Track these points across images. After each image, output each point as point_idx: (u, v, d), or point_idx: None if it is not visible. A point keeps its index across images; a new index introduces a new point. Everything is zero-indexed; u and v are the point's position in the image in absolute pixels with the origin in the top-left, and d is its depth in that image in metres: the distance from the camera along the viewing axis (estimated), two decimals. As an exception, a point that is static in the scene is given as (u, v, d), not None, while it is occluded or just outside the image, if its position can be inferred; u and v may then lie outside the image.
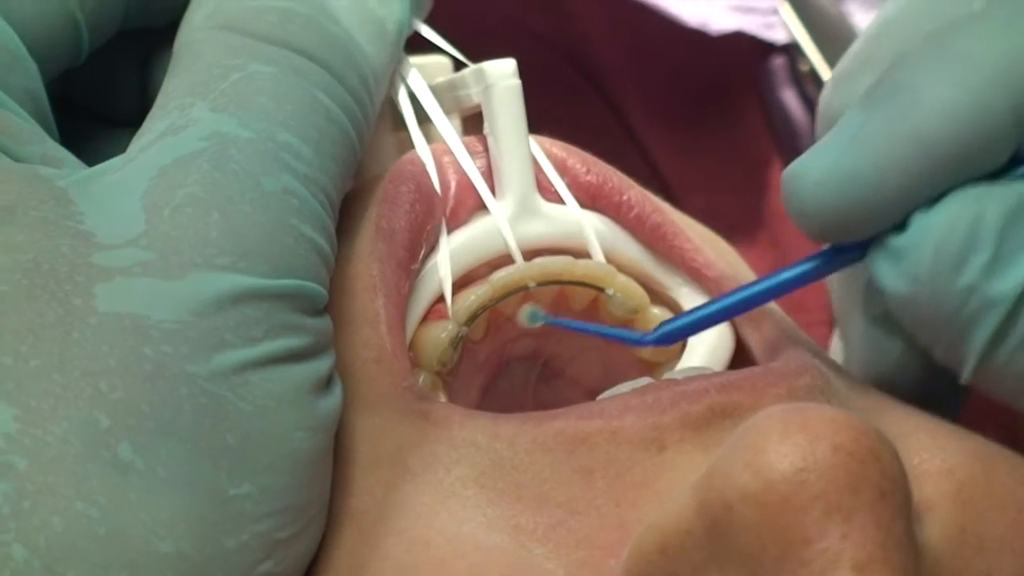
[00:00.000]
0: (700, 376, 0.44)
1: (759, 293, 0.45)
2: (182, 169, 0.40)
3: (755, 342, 0.48)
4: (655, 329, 0.45)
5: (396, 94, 0.49)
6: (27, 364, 0.37)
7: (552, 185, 0.48)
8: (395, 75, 0.49)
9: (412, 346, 0.46)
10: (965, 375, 0.43)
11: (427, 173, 0.47)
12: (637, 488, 0.41)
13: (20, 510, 0.36)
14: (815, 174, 0.42)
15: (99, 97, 0.50)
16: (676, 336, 0.45)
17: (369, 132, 0.44)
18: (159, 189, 0.40)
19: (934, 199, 0.42)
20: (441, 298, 0.47)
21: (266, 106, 0.41)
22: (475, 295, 0.47)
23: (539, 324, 0.47)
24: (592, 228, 0.48)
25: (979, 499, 0.42)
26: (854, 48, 0.48)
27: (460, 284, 0.47)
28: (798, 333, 0.48)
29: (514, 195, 0.48)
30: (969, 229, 0.41)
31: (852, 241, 0.43)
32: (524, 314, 0.47)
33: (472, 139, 0.48)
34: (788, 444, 0.36)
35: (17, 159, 0.41)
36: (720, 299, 0.45)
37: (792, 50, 0.70)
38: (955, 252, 0.41)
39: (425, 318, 0.47)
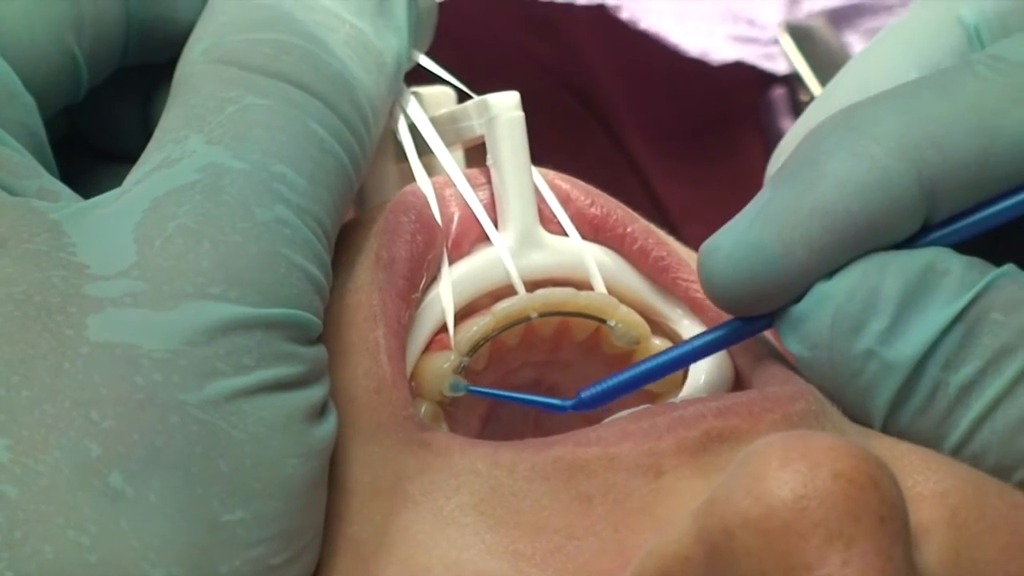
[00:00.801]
0: (696, 400, 0.44)
1: (671, 360, 0.46)
2: (174, 201, 0.40)
3: (750, 369, 0.48)
4: (574, 397, 0.45)
5: (396, 125, 0.49)
6: (19, 394, 0.37)
7: (555, 216, 0.48)
8: (395, 106, 0.49)
9: (414, 376, 0.46)
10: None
11: (429, 204, 0.47)
12: (636, 514, 0.41)
13: (11, 539, 0.36)
14: (724, 249, 0.43)
15: (103, 133, 0.50)
16: (593, 402, 0.45)
17: (366, 162, 0.45)
18: (151, 221, 0.40)
19: (837, 270, 0.43)
20: (443, 328, 0.47)
21: (261, 137, 0.41)
22: (477, 326, 0.47)
23: (461, 393, 0.46)
24: (594, 259, 0.49)
25: (972, 523, 0.42)
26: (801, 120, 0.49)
27: (462, 315, 0.47)
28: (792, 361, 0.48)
29: (516, 227, 0.48)
30: (868, 295, 0.42)
31: (759, 313, 0.44)
32: (447, 384, 0.46)
33: (475, 171, 0.49)
34: (789, 471, 0.36)
35: (13, 193, 0.41)
36: (634, 367, 0.46)
37: (792, 81, 0.71)
38: (853, 317, 0.42)
39: (427, 348, 0.47)
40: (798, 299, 0.44)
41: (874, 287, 0.42)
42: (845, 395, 0.43)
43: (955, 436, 0.43)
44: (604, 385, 0.45)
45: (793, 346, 0.44)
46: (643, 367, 0.46)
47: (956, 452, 0.43)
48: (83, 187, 0.43)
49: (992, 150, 0.43)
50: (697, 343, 0.46)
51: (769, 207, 0.43)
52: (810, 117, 0.48)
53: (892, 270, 0.43)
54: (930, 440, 0.43)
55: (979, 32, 0.47)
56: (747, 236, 0.43)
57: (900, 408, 0.43)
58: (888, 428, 0.43)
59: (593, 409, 0.45)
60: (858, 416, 0.44)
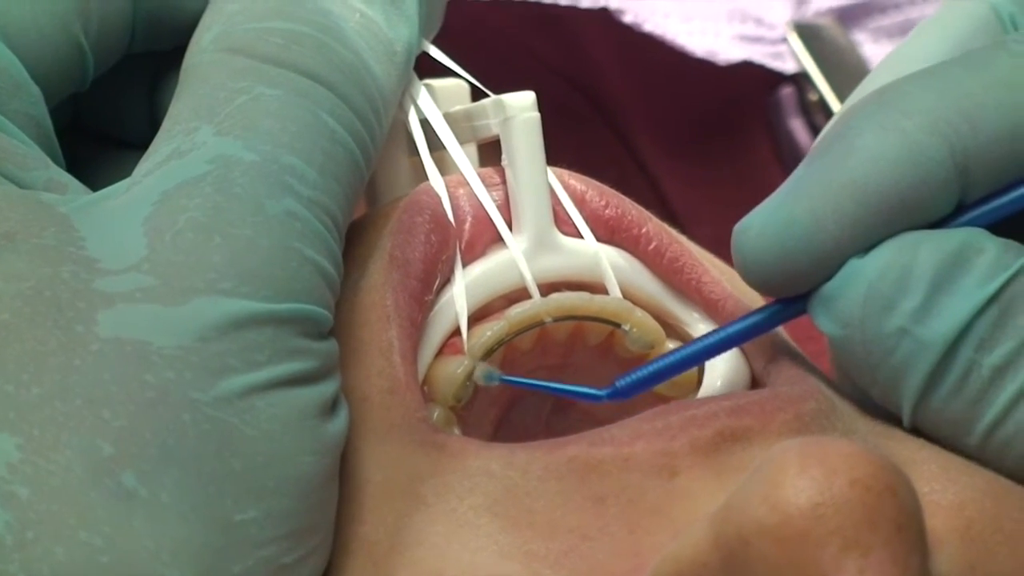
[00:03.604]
0: (709, 399, 0.44)
1: (712, 345, 0.45)
2: (185, 193, 0.40)
3: (763, 368, 0.48)
4: (609, 386, 0.45)
5: (407, 117, 0.49)
6: (29, 392, 0.37)
7: (570, 218, 0.48)
8: (405, 97, 0.48)
9: (427, 380, 0.46)
10: (905, 420, 0.43)
11: (443, 204, 0.47)
12: (651, 515, 0.41)
13: (23, 540, 0.36)
14: (756, 227, 0.43)
15: (108, 120, 0.50)
16: (629, 391, 0.45)
17: (377, 154, 0.44)
18: (161, 214, 0.39)
19: (872, 247, 0.43)
20: (456, 332, 0.47)
21: (271, 128, 0.41)
22: (491, 330, 0.46)
23: (495, 383, 0.46)
24: (609, 262, 0.48)
25: (988, 536, 0.41)
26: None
27: (475, 317, 0.47)
28: (804, 360, 0.48)
29: (531, 229, 0.48)
30: (901, 273, 0.42)
31: (794, 293, 0.44)
32: (479, 373, 0.46)
33: (489, 170, 0.49)
34: (805, 478, 0.36)
35: (21, 185, 0.41)
36: (672, 353, 0.45)
37: (800, 80, 0.71)
38: (886, 296, 0.42)
39: (440, 352, 0.47)
40: (831, 278, 0.43)
41: (907, 265, 0.42)
42: (877, 376, 0.43)
43: (988, 418, 0.42)
44: (641, 373, 0.45)
45: (825, 325, 0.43)
46: (680, 354, 0.45)
47: (989, 434, 0.42)
48: (87, 174, 0.43)
49: None
50: (734, 328, 0.45)
51: (800, 184, 0.43)
52: (846, 108, 0.48)
53: (926, 248, 0.42)
54: (962, 422, 0.43)
55: (1015, 21, 0.47)
56: (778, 213, 0.43)
57: (932, 389, 0.42)
58: (919, 411, 0.43)
59: (628, 398, 0.45)
60: (889, 398, 0.43)
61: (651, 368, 0.45)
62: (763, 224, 0.43)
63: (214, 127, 0.41)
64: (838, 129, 0.44)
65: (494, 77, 0.50)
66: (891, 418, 0.45)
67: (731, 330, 0.45)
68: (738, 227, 0.44)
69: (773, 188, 0.54)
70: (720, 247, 0.53)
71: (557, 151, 0.50)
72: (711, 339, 0.45)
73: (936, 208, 0.43)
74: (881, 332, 0.42)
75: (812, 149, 0.44)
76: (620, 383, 0.45)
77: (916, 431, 0.44)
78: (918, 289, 0.42)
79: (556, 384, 0.47)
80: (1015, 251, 0.42)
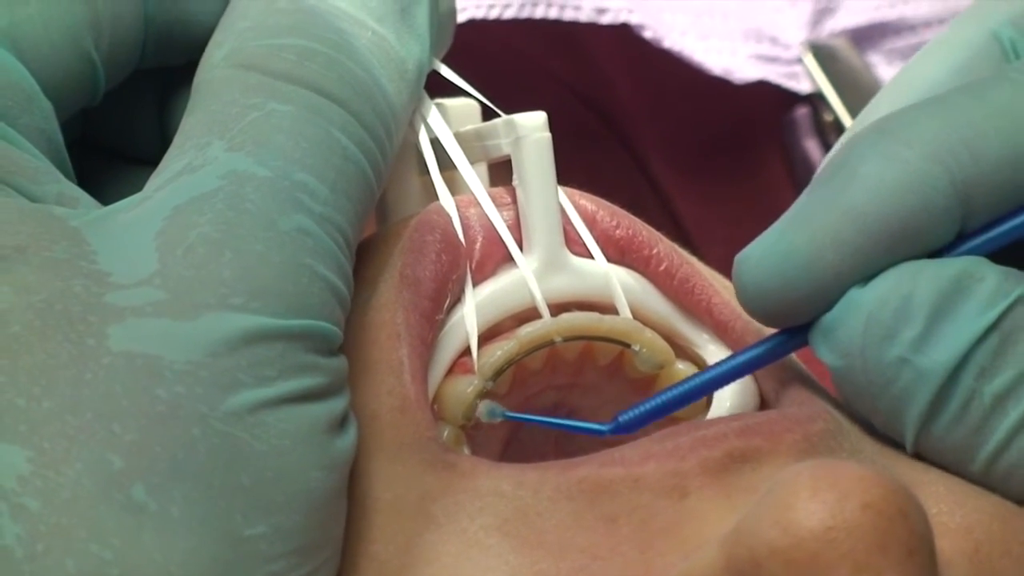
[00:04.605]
0: (719, 420, 0.44)
1: (713, 379, 0.45)
2: (196, 209, 0.40)
3: (774, 393, 0.48)
4: (611, 420, 0.45)
5: (418, 136, 0.49)
6: (40, 405, 0.37)
7: (580, 238, 0.48)
8: (416, 116, 0.48)
9: (436, 399, 0.46)
10: (908, 448, 0.43)
11: (453, 223, 0.47)
12: (661, 536, 0.41)
13: (34, 552, 0.36)
14: (755, 256, 0.43)
15: (118, 135, 0.50)
16: (631, 426, 0.45)
17: (387, 171, 0.44)
18: (173, 229, 0.39)
19: (872, 276, 0.43)
20: (466, 351, 0.47)
21: (283, 145, 0.41)
22: (501, 350, 0.46)
23: (498, 420, 0.46)
24: (619, 283, 0.48)
25: (996, 559, 0.42)
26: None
27: (485, 337, 0.47)
28: (812, 380, 0.48)
29: (542, 249, 0.48)
30: (900, 303, 0.42)
31: (794, 324, 0.44)
32: (483, 410, 0.46)
33: (500, 190, 0.49)
34: (817, 501, 0.37)
35: (32, 199, 0.41)
36: (673, 387, 0.45)
37: (815, 100, 0.71)
38: (885, 325, 0.42)
39: (450, 371, 0.47)
40: (831, 308, 0.43)
41: (907, 294, 0.42)
42: (879, 405, 0.43)
43: (990, 446, 0.42)
44: (643, 408, 0.45)
45: (826, 355, 0.43)
46: (681, 388, 0.45)
47: (992, 462, 0.42)
48: (96, 189, 0.43)
49: None
50: (735, 362, 0.46)
51: (800, 212, 0.43)
52: (848, 136, 0.48)
53: (925, 277, 0.42)
54: (964, 450, 0.42)
55: (1015, 47, 0.47)
56: (779, 242, 0.43)
57: (934, 418, 0.42)
58: (921, 439, 0.43)
59: (631, 432, 0.45)
60: (891, 427, 0.43)
61: (653, 403, 0.45)
62: (763, 253, 0.43)
63: (226, 143, 0.41)
64: (840, 158, 0.44)
65: (505, 95, 0.50)
66: (895, 442, 0.45)
67: (733, 363, 0.46)
68: (739, 256, 0.44)
69: (786, 208, 0.54)
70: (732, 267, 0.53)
71: (569, 169, 0.50)
72: (712, 373, 0.46)
73: (937, 237, 0.43)
74: (881, 362, 0.42)
75: (814, 178, 0.44)
76: (622, 418, 0.45)
77: (919, 458, 0.44)
78: (918, 318, 0.42)
79: (559, 419, 0.47)
80: (1015, 279, 0.42)
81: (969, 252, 0.43)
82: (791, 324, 0.44)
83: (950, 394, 0.42)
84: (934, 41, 0.49)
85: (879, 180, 0.42)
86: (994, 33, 0.47)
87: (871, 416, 0.44)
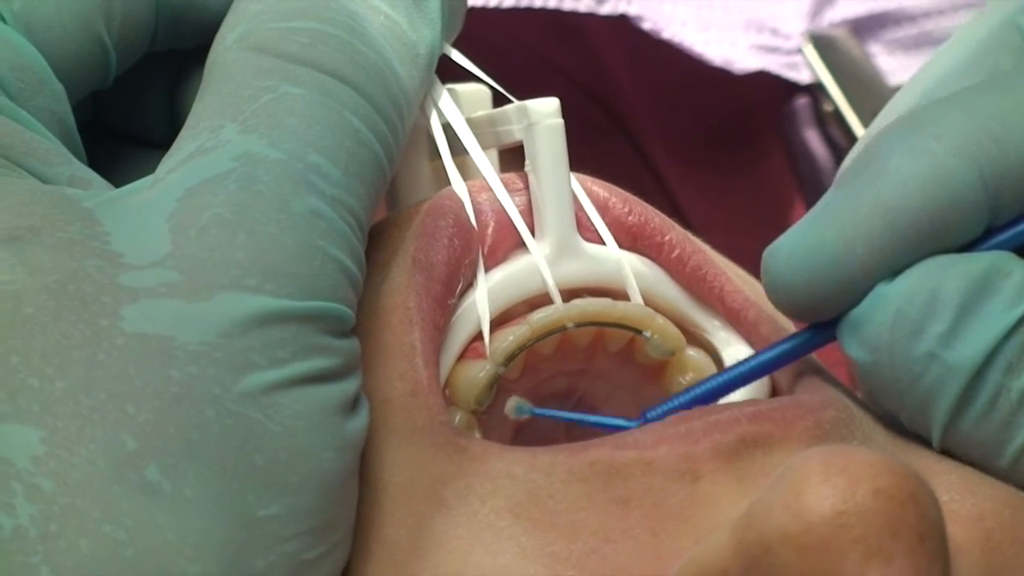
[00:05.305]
0: (731, 405, 0.44)
1: (741, 375, 0.46)
2: (209, 190, 0.40)
3: (783, 376, 0.48)
4: (639, 417, 0.45)
5: (429, 120, 0.49)
6: (53, 386, 0.37)
7: (592, 224, 0.48)
8: (427, 100, 0.48)
9: (448, 384, 0.46)
10: (935, 444, 0.43)
11: (466, 209, 0.47)
12: (673, 519, 0.41)
13: (47, 532, 0.36)
14: (785, 250, 0.43)
15: (128, 118, 0.50)
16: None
17: (399, 154, 0.44)
18: (186, 210, 0.39)
19: (900, 271, 0.43)
20: (478, 336, 0.47)
21: (296, 127, 0.41)
22: (513, 336, 0.46)
23: (526, 416, 0.46)
24: (631, 269, 0.48)
25: (1007, 547, 0.42)
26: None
27: (497, 322, 0.47)
28: (823, 368, 0.48)
29: (554, 235, 0.48)
30: (928, 298, 0.42)
31: (824, 318, 0.44)
32: (510, 406, 0.46)
33: (512, 176, 0.49)
34: (829, 487, 0.37)
35: (45, 181, 0.41)
36: (698, 385, 0.46)
37: (816, 90, 0.71)
38: (913, 320, 0.42)
39: (462, 356, 0.47)
40: (859, 303, 0.43)
41: (934, 289, 0.42)
42: (906, 401, 0.43)
43: (1018, 441, 0.42)
44: (670, 404, 0.45)
45: (854, 351, 0.43)
46: (710, 384, 0.46)
47: (1019, 456, 0.42)
48: (108, 172, 0.43)
49: None
50: (764, 357, 0.46)
51: (829, 207, 0.43)
52: (874, 128, 0.48)
53: (953, 272, 0.42)
54: (991, 445, 0.42)
55: None
56: (808, 236, 0.43)
57: (961, 414, 0.42)
58: (949, 435, 0.43)
59: None
60: (919, 422, 0.43)
61: (681, 399, 0.45)
62: (792, 247, 0.43)
63: (239, 125, 0.41)
64: (868, 153, 0.44)
65: (507, 85, 0.50)
66: (907, 431, 0.45)
67: (762, 358, 0.46)
68: (768, 250, 0.44)
69: (787, 198, 0.54)
70: (734, 256, 0.53)
71: (571, 160, 0.50)
72: (740, 369, 0.45)
73: (965, 231, 0.43)
74: (909, 357, 0.42)
75: (841, 172, 0.44)
76: (650, 414, 0.45)
77: (946, 454, 0.44)
78: (946, 313, 0.42)
79: (587, 416, 0.47)
80: None
81: (997, 247, 0.43)
82: (819, 319, 0.44)
83: (978, 390, 0.42)
84: (957, 34, 0.49)
85: (908, 175, 0.42)
86: (1018, 25, 0.47)
87: (898, 412, 0.44)
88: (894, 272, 0.43)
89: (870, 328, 0.43)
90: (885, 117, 0.48)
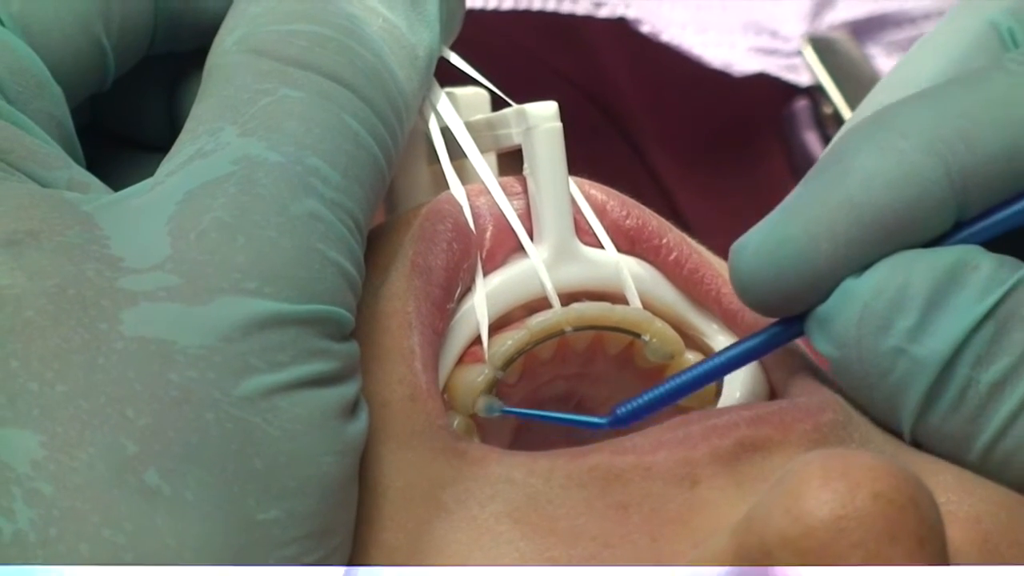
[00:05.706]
0: (729, 409, 0.44)
1: (706, 372, 0.45)
2: (209, 193, 0.40)
3: (784, 384, 0.48)
4: (608, 414, 0.45)
5: (427, 124, 0.49)
6: (53, 390, 0.37)
7: (591, 228, 0.48)
8: (426, 104, 0.48)
9: (447, 388, 0.46)
10: (905, 436, 0.43)
11: (464, 213, 0.47)
12: (672, 524, 0.41)
13: (47, 537, 0.36)
14: (752, 245, 0.43)
15: (127, 122, 0.50)
16: (628, 419, 0.45)
17: (398, 158, 0.44)
18: (185, 213, 0.39)
19: (867, 267, 0.43)
20: (476, 340, 0.47)
21: (295, 130, 0.41)
22: (512, 340, 0.47)
23: (496, 415, 0.46)
24: (629, 273, 0.48)
25: (1005, 549, 0.42)
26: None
27: (496, 326, 0.47)
28: (821, 371, 0.48)
29: (552, 239, 0.48)
30: (895, 293, 0.42)
31: (790, 314, 0.44)
32: (480, 405, 0.46)
33: (510, 179, 0.49)
34: (828, 491, 0.37)
35: (44, 184, 0.41)
36: (670, 380, 0.45)
37: (815, 92, 0.71)
38: (880, 315, 0.42)
39: (460, 360, 0.47)
40: (826, 299, 0.43)
41: (902, 284, 0.42)
42: (875, 395, 0.43)
43: (987, 434, 0.42)
44: (640, 401, 0.45)
45: (822, 346, 0.43)
46: (678, 380, 0.45)
47: (988, 450, 0.42)
48: (106, 175, 0.43)
49: (1022, 143, 0.42)
50: (731, 353, 0.46)
51: (795, 203, 0.43)
52: (846, 128, 0.48)
53: (920, 266, 0.42)
54: (961, 438, 0.42)
55: (1014, 36, 0.47)
56: (773, 232, 0.43)
57: (930, 407, 0.42)
58: (918, 428, 0.43)
59: (628, 426, 0.45)
60: (889, 417, 0.43)
61: (649, 396, 0.45)
62: (758, 243, 0.43)
63: (238, 128, 0.41)
64: (835, 150, 0.44)
65: (506, 88, 0.50)
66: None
67: (728, 355, 0.45)
68: (735, 245, 0.44)
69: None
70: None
71: (570, 163, 0.50)
72: (707, 365, 0.45)
73: (932, 227, 0.43)
74: (877, 352, 0.42)
75: (810, 170, 0.44)
76: (620, 411, 0.45)
77: (917, 447, 0.44)
78: (913, 308, 0.42)
79: (556, 413, 0.47)
80: (1010, 266, 0.42)
81: (965, 241, 0.43)
82: (787, 314, 0.44)
83: (946, 383, 0.42)
84: (932, 32, 0.49)
85: (874, 171, 0.42)
86: (992, 22, 0.47)
87: (868, 406, 0.44)
88: (862, 268, 0.43)
89: (837, 324, 0.43)
90: (858, 117, 0.48)
